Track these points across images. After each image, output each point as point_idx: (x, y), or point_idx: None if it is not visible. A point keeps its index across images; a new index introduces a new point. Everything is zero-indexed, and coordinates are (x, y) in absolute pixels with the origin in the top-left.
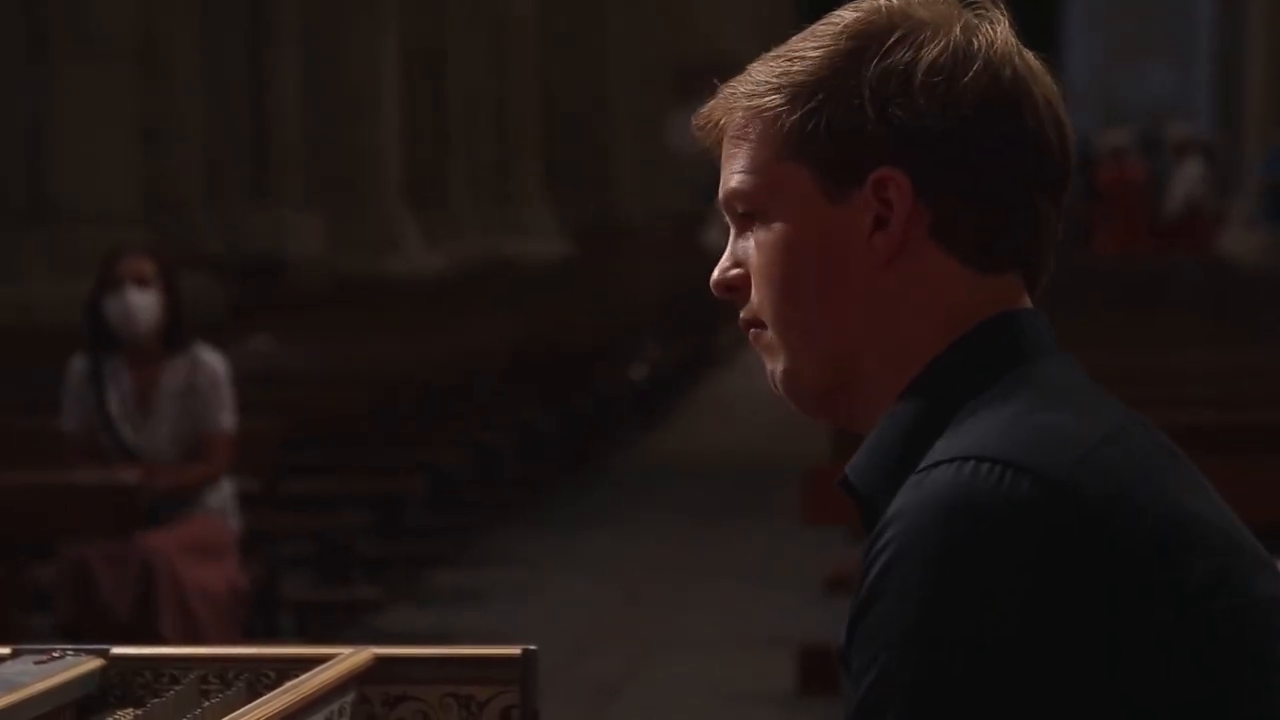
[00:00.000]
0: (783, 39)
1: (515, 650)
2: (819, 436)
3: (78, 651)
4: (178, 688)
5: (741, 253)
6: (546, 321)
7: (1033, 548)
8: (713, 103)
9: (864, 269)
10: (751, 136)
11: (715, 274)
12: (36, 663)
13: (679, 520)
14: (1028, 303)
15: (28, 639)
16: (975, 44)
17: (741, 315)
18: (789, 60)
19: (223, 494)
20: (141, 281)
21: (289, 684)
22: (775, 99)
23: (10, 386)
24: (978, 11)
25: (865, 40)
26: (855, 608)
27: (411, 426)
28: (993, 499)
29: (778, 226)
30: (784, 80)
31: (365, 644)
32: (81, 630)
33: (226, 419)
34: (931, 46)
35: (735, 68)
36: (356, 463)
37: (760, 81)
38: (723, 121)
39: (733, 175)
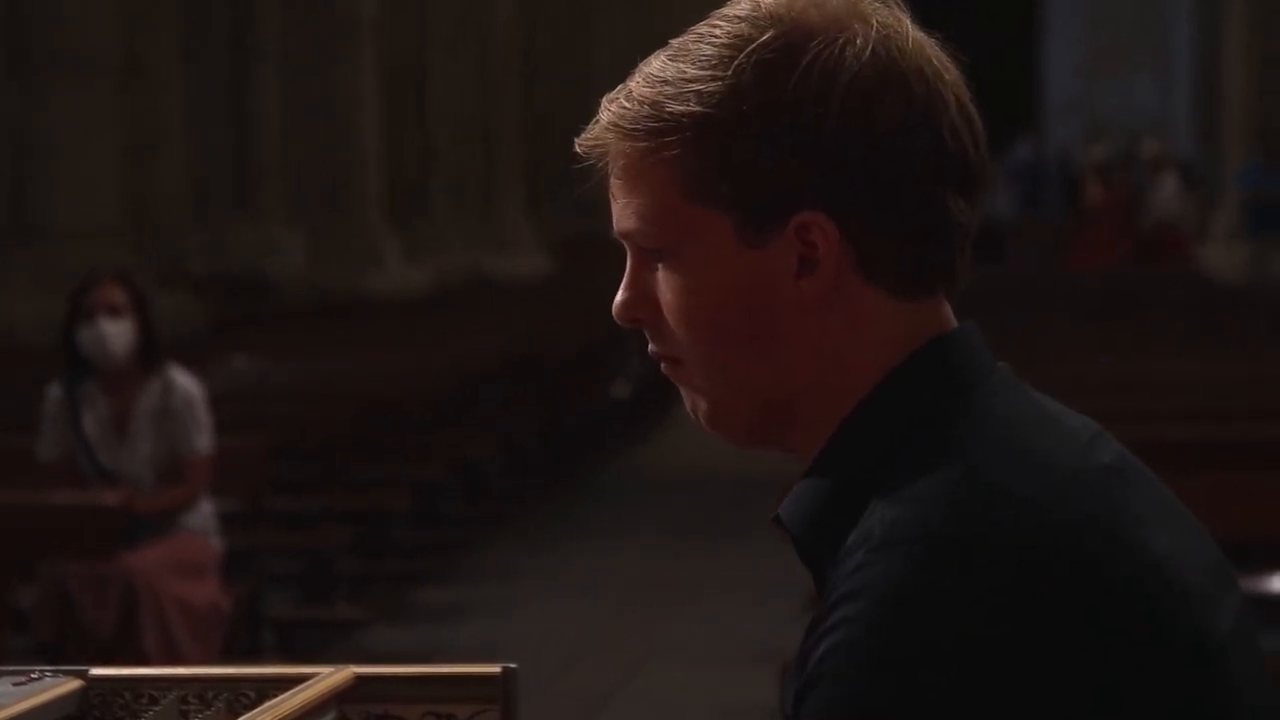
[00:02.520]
0: None
1: (495, 668)
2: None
3: (56, 673)
4: (157, 708)
5: (646, 286)
6: (529, 337)
7: (985, 644)
8: (598, 129)
9: (792, 312)
10: (649, 178)
11: (617, 303)
12: (15, 684)
13: (664, 535)
14: (953, 319)
15: (6, 660)
16: (884, 60)
17: (652, 348)
18: (683, 94)
19: (203, 514)
20: (114, 311)
21: (268, 704)
22: (674, 143)
23: None
24: (877, 9)
25: (770, 72)
26: (800, 685)
27: (394, 443)
28: (946, 593)
29: (692, 271)
30: (681, 120)
31: (349, 662)
32: (61, 651)
33: (203, 441)
34: (841, 75)
35: None
36: (340, 480)
37: (652, 117)
38: (611, 150)
39: (631, 215)
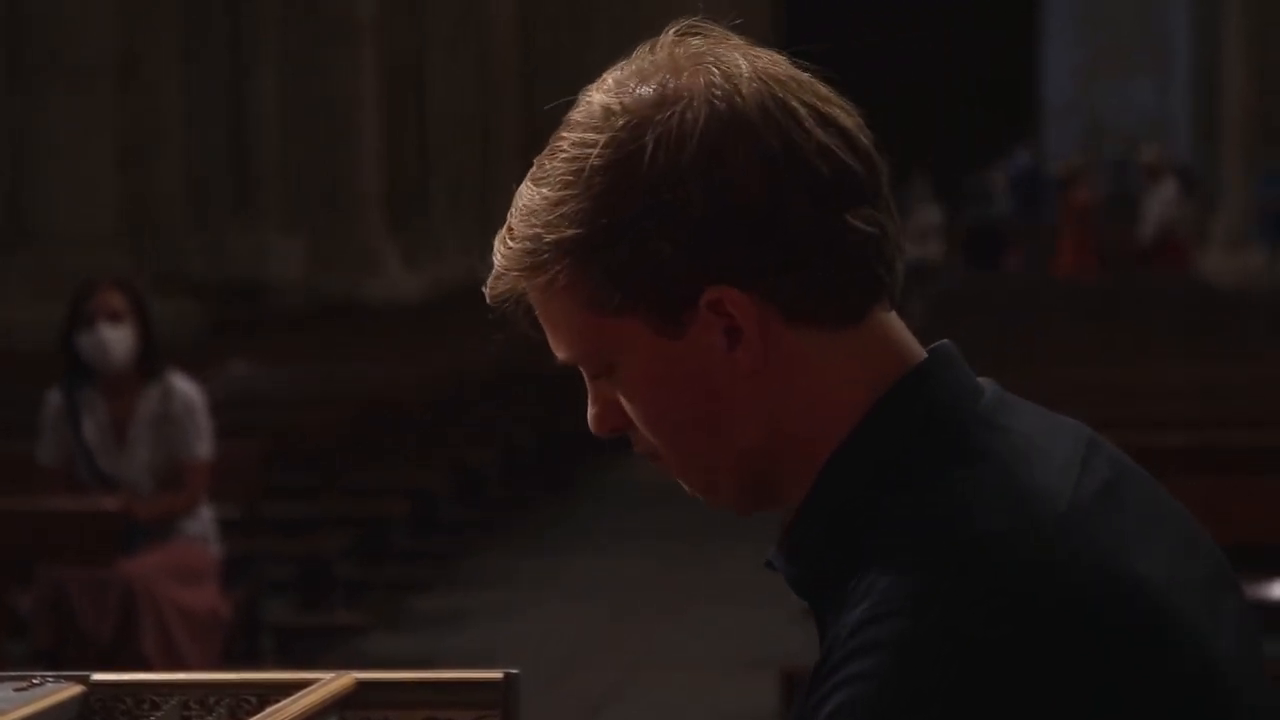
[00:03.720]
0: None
1: (497, 674)
2: None
3: (58, 678)
4: (159, 714)
5: (608, 394)
6: (528, 343)
7: (993, 702)
8: (496, 278)
9: (736, 383)
10: (555, 308)
11: (591, 421)
12: (16, 689)
13: (662, 540)
14: (909, 337)
15: (5, 665)
16: (724, 109)
17: (636, 449)
18: (550, 222)
19: (203, 520)
20: (114, 316)
21: (270, 709)
22: (559, 271)
23: None
24: (703, 52)
25: (619, 172)
26: None
27: (393, 449)
28: (954, 651)
29: (630, 378)
30: (556, 249)
31: (347, 668)
32: (59, 657)
33: (203, 447)
34: (684, 152)
35: None
36: (338, 486)
37: (533, 252)
38: (518, 290)
39: (561, 345)
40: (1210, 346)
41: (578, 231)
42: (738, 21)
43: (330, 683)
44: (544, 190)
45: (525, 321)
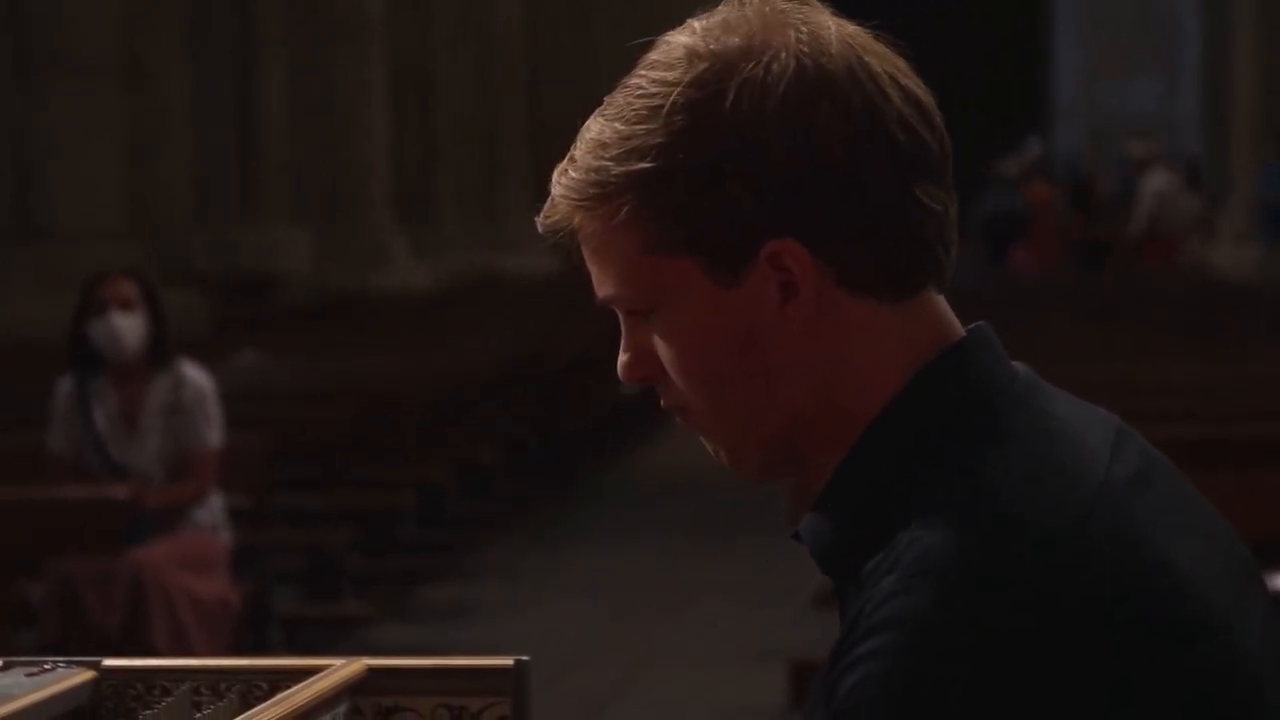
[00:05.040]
0: None
1: (508, 661)
2: None
3: (69, 664)
4: (169, 699)
5: (642, 340)
6: (535, 337)
7: (1014, 682)
8: (551, 206)
9: (784, 341)
10: (612, 243)
11: (620, 367)
12: (28, 675)
13: (668, 535)
14: (953, 320)
15: (15, 655)
16: (813, 71)
17: (663, 401)
18: (623, 154)
19: (212, 509)
20: (125, 305)
21: (281, 695)
22: (625, 204)
23: None
24: (791, 10)
25: (699, 114)
26: (829, 714)
27: (400, 442)
28: (976, 629)
29: (677, 322)
30: (626, 181)
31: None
32: (68, 647)
33: (213, 436)
34: (771, 99)
35: None
36: (345, 478)
37: (598, 183)
38: (572, 224)
39: (606, 282)
40: (1213, 342)
41: (651, 165)
42: None
43: (341, 669)
44: (616, 125)
45: (576, 255)
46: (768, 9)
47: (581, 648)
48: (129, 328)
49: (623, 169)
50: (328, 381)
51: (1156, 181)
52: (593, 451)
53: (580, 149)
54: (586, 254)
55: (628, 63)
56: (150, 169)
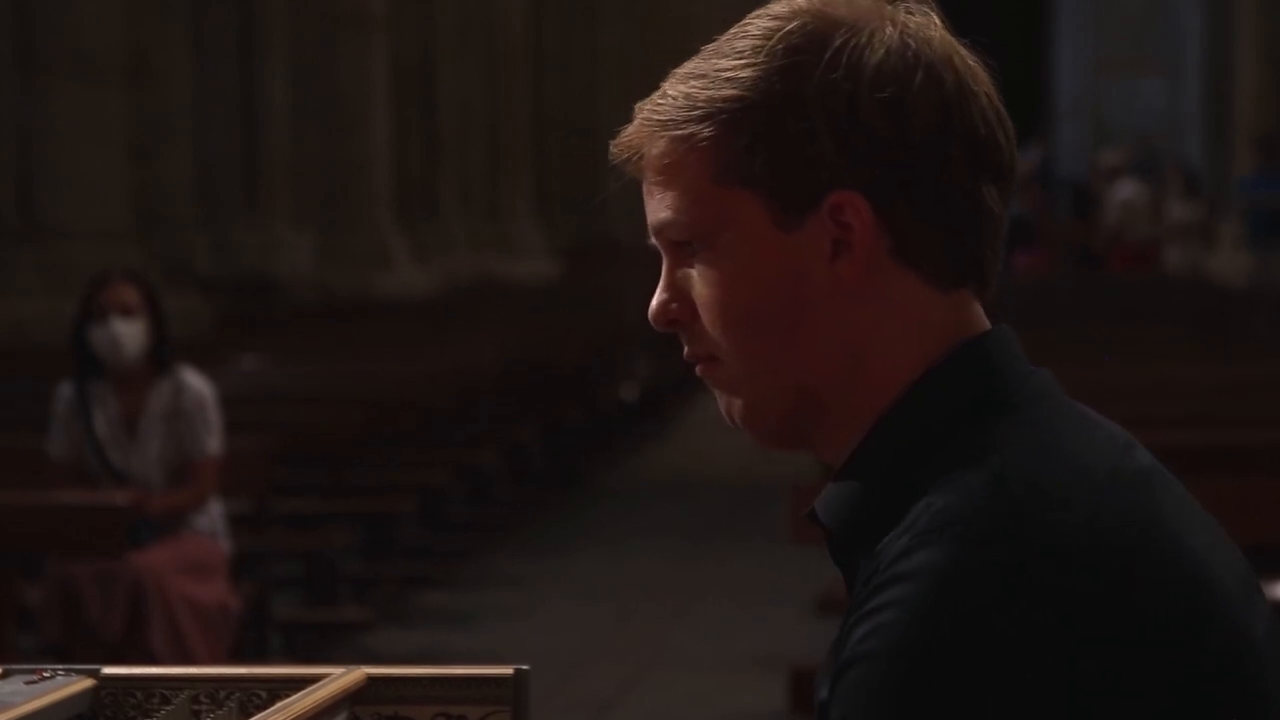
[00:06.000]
0: None
1: (507, 670)
2: (807, 456)
3: (68, 671)
4: (169, 708)
5: (681, 281)
6: (537, 340)
7: (1028, 633)
8: (631, 129)
9: (826, 296)
10: (683, 167)
11: (654, 306)
12: (27, 683)
13: (670, 540)
14: (984, 319)
15: (14, 660)
16: (914, 47)
17: (688, 349)
18: (716, 83)
19: (212, 514)
20: (126, 311)
21: (280, 704)
22: (708, 128)
23: (1, 405)
24: (906, 8)
25: (800, 55)
26: (840, 664)
27: (402, 446)
28: (991, 580)
29: (726, 258)
30: (715, 106)
31: (355, 664)
32: (68, 651)
33: (213, 443)
34: (871, 57)
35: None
36: (346, 482)
37: (686, 107)
38: (645, 150)
39: (666, 207)
40: (1216, 346)
41: (741, 94)
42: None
43: (341, 678)
44: (714, 60)
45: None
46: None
47: (583, 652)
48: (130, 334)
49: (712, 93)
50: (329, 385)
51: (1123, 190)
52: (595, 456)
53: (671, 80)
54: (651, 181)
55: (631, 63)
56: (152, 170)
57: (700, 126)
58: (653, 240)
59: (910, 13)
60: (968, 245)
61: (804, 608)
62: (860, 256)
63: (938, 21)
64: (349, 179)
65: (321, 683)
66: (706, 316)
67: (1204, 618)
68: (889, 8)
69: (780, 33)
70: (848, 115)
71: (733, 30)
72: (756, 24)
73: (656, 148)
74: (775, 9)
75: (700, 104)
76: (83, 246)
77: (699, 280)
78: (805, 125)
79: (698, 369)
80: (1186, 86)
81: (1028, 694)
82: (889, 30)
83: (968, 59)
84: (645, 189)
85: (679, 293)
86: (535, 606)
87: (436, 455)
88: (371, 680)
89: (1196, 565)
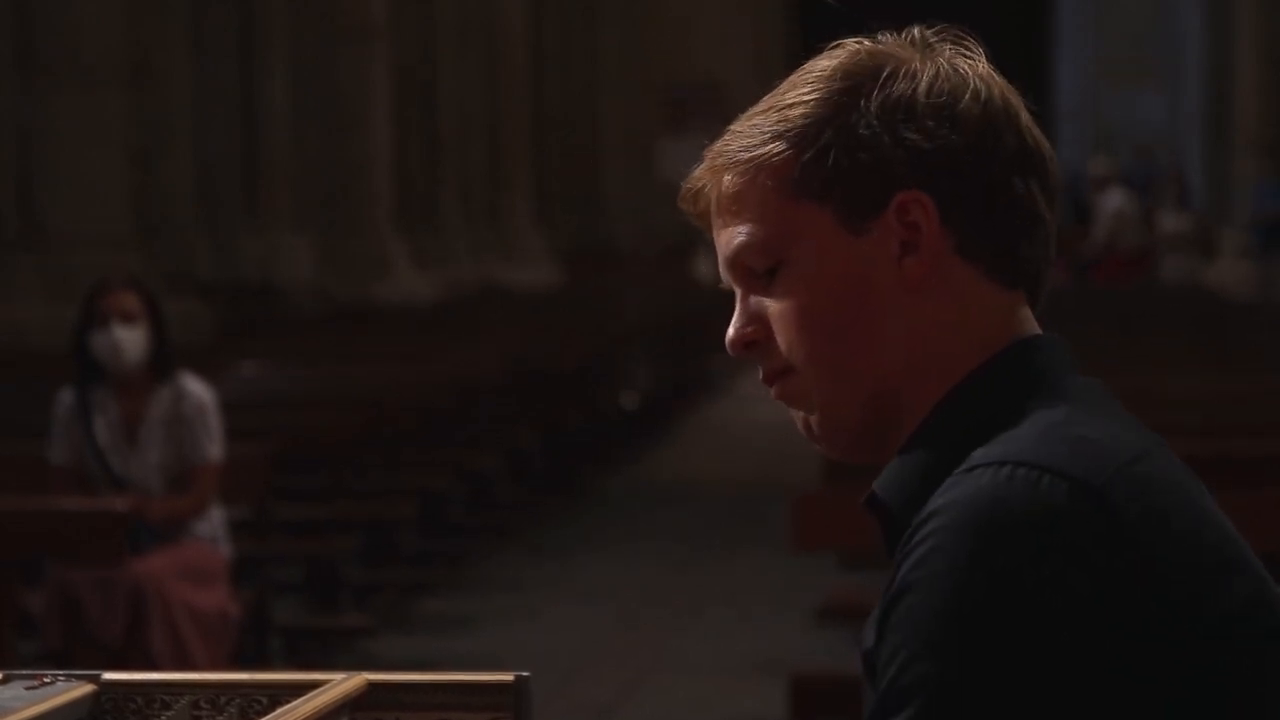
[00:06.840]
0: (776, 65)
1: (508, 676)
2: (810, 463)
3: (69, 677)
4: (169, 713)
5: (755, 308)
6: (538, 346)
7: (1066, 556)
8: (700, 170)
9: (895, 295)
10: (753, 190)
11: (731, 333)
12: (28, 688)
13: (672, 546)
14: (1037, 324)
15: (15, 665)
16: (962, 70)
17: (765, 369)
18: (782, 110)
19: (212, 521)
20: (127, 317)
21: (281, 710)
22: (779, 145)
23: (1, 410)
24: (954, 47)
25: (858, 78)
26: (886, 601)
27: (403, 451)
28: (1029, 504)
29: (800, 268)
30: (783, 128)
31: (356, 670)
32: (69, 656)
33: (213, 450)
34: (923, 75)
35: (728, 93)
36: (347, 488)
37: (755, 135)
38: (712, 192)
39: (739, 234)
40: (1219, 357)
41: (805, 111)
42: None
43: (341, 684)
44: (778, 98)
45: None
46: (923, 41)
47: (587, 656)
48: (131, 340)
49: (778, 117)
50: (330, 390)
51: (1114, 200)
52: (596, 461)
53: (737, 122)
54: (720, 213)
55: (635, 73)
56: (153, 175)
57: (770, 146)
58: (725, 278)
59: (956, 50)
60: (1025, 247)
61: (805, 614)
62: (927, 255)
63: (983, 57)
64: (349, 180)
65: (322, 689)
66: (783, 329)
67: (1232, 578)
68: (940, 46)
69: (837, 66)
70: (907, 120)
71: (791, 77)
72: (814, 65)
73: (725, 183)
74: (830, 53)
75: (766, 133)
76: (83, 252)
77: (774, 298)
78: (867, 132)
79: (773, 391)
80: (1187, 88)
81: (1067, 623)
82: (935, 63)
83: (1010, 91)
84: (715, 231)
85: (754, 316)
86: (535, 611)
87: (437, 458)
88: (372, 686)
89: (1226, 532)
